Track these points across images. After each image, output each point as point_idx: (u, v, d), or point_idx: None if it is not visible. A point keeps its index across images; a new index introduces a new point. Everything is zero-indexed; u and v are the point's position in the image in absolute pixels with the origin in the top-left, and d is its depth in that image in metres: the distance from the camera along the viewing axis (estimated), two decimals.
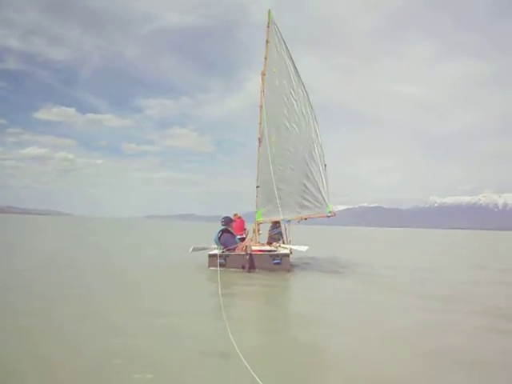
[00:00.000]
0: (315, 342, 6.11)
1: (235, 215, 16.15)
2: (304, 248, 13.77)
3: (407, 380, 4.47)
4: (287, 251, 13.72)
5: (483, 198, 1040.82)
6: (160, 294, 9.57)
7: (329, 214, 14.28)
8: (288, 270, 13.10)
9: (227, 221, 14.38)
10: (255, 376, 3.97)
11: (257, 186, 15.86)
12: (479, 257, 27.23)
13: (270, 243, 15.96)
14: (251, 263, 12.82)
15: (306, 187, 14.71)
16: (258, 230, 15.90)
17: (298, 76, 15.28)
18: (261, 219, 15.74)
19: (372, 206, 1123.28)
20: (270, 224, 16.53)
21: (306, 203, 14.68)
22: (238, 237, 14.58)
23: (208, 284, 11.30)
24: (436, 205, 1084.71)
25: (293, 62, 15.37)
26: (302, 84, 15.20)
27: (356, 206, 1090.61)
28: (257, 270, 12.85)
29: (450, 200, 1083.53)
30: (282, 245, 15.42)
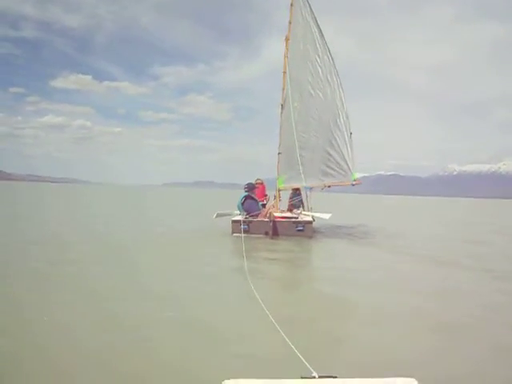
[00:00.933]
0: (334, 297, 6.49)
1: (257, 180, 16.20)
2: (327, 216, 13.82)
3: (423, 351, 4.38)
4: (310, 218, 13.81)
5: (503, 166, 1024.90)
6: (186, 258, 9.75)
7: (354, 182, 14.28)
8: (310, 237, 13.21)
9: (250, 187, 14.47)
10: (272, 320, 4.43)
11: (278, 153, 15.76)
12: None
13: (290, 210, 16.02)
14: (274, 230, 12.95)
15: (329, 155, 14.65)
16: (279, 197, 15.94)
17: (324, 42, 14.98)
18: (282, 186, 15.72)
19: (389, 173, 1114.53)
20: (291, 191, 16.55)
21: (330, 171, 14.65)
22: (260, 203, 14.68)
23: (232, 249, 11.47)
24: (455, 173, 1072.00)
25: (319, 27, 15.04)
26: (328, 50, 14.93)
27: (373, 174, 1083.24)
28: (280, 237, 12.98)
29: (469, 168, 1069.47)
30: (303, 212, 15.49)
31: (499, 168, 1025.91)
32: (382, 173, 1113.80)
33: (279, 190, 15.76)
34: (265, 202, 15.37)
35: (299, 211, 15.63)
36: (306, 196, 16.04)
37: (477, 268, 9.40)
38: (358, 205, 51.89)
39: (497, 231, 20.74)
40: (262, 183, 16.17)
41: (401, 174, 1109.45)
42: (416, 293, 6.81)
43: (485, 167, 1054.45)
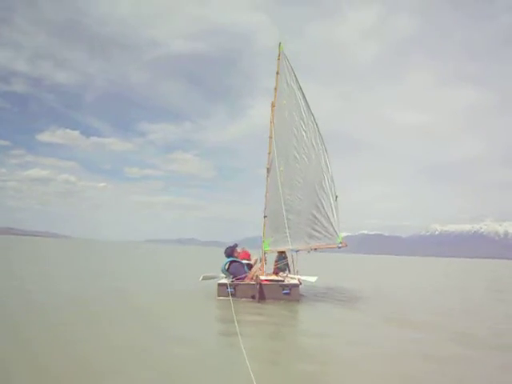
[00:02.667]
0: (317, 375, 6.25)
1: (242, 249, 16.19)
2: (313, 279, 13.82)
3: None
4: (297, 282, 13.75)
5: (484, 226, 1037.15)
6: (174, 322, 9.62)
7: (340, 245, 14.33)
8: (298, 301, 13.11)
9: (229, 252, 14.44)
10: None
11: (264, 216, 15.82)
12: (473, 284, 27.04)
13: (276, 273, 15.96)
14: (261, 293, 12.83)
15: (315, 218, 14.74)
16: (265, 260, 15.88)
17: (309, 108, 15.45)
18: (268, 249, 15.69)
19: (372, 233, 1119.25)
20: (277, 254, 16.53)
21: (316, 233, 14.68)
22: (246, 262, 14.61)
23: (220, 315, 11.30)
24: (437, 233, 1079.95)
25: (303, 94, 15.55)
26: (313, 116, 15.36)
27: (356, 234, 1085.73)
28: (267, 300, 12.86)
29: (451, 228, 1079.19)
30: (289, 275, 15.43)
31: (480, 228, 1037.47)
32: (366, 232, 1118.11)
33: (265, 253, 15.71)
34: (251, 263, 15.29)
35: (285, 274, 15.58)
36: (292, 259, 16.02)
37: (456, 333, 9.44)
38: (343, 266, 51.76)
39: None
40: (246, 252, 16.12)
41: (385, 234, 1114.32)
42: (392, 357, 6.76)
43: (466, 227, 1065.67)
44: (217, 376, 5.85)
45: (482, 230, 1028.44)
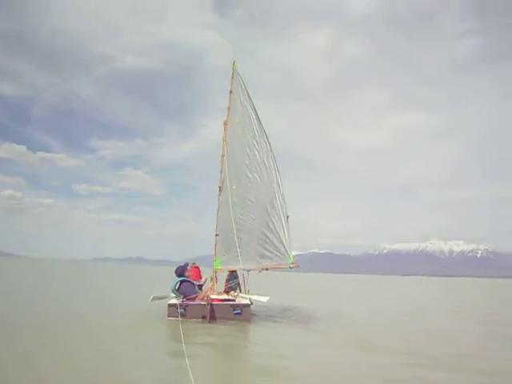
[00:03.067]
0: None
1: (193, 264, 16.03)
2: (265, 299, 13.76)
3: None
4: (248, 301, 13.66)
5: (430, 245, 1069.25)
6: (122, 343, 9.37)
7: (291, 266, 14.31)
8: (249, 321, 13.02)
9: (180, 272, 14.18)
10: None
11: (216, 234, 15.70)
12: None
13: (227, 292, 15.83)
14: (212, 313, 12.66)
15: (266, 237, 14.72)
16: (216, 279, 15.73)
17: (261, 127, 15.54)
18: (219, 267, 15.56)
19: (322, 251, 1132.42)
20: (227, 272, 16.42)
21: (267, 253, 14.64)
22: (197, 283, 14.41)
23: (169, 337, 11.06)
24: (385, 251, 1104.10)
25: (256, 114, 15.65)
26: (266, 135, 15.46)
27: (307, 252, 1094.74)
28: (218, 320, 12.68)
29: (399, 247, 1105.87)
30: (240, 294, 15.34)
31: (426, 247, 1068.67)
32: (316, 251, 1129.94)
33: (216, 272, 15.56)
34: (202, 283, 15.11)
35: (236, 293, 15.47)
36: (243, 278, 15.94)
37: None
38: (294, 285, 51.98)
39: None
40: (196, 267, 15.99)
41: (334, 253, 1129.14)
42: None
43: (413, 246, 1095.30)
44: None
45: (428, 249, 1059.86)
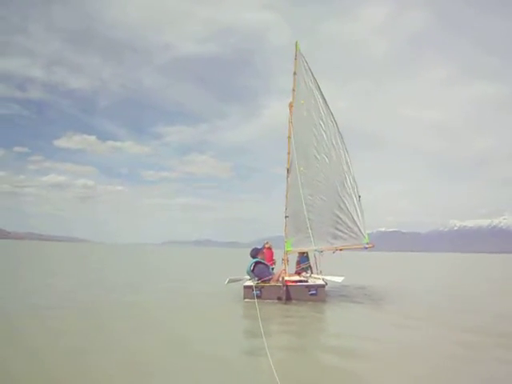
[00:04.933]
0: (347, 374, 6.16)
1: (266, 244, 16.24)
2: (339, 279, 13.75)
3: None
4: (323, 282, 13.70)
5: (504, 220, 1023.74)
6: (203, 324, 9.75)
7: (367, 246, 14.15)
8: (324, 301, 13.07)
9: (254, 253, 14.34)
10: None
11: (286, 216, 15.72)
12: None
13: (298, 273, 15.94)
14: (287, 294, 12.80)
15: (339, 218, 14.56)
16: (287, 261, 15.81)
17: (327, 107, 15.33)
18: (290, 249, 15.60)
19: (390, 230, 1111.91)
20: (298, 254, 16.47)
21: (340, 234, 14.50)
22: (271, 267, 14.59)
23: (247, 316, 11.33)
24: (456, 228, 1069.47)
25: (321, 93, 15.43)
26: (332, 115, 15.24)
27: (374, 231, 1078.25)
28: (293, 301, 12.83)
29: (470, 223, 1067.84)
30: (312, 275, 15.39)
31: (500, 222, 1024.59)
32: (384, 229, 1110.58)
33: (287, 254, 15.63)
34: (273, 267, 15.30)
35: (308, 275, 15.55)
36: (315, 259, 15.95)
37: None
38: (364, 264, 51.34)
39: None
40: (269, 248, 16.15)
41: (402, 231, 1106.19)
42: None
43: (485, 222, 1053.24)
44: (240, 374, 6.00)
45: (502, 225, 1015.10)
